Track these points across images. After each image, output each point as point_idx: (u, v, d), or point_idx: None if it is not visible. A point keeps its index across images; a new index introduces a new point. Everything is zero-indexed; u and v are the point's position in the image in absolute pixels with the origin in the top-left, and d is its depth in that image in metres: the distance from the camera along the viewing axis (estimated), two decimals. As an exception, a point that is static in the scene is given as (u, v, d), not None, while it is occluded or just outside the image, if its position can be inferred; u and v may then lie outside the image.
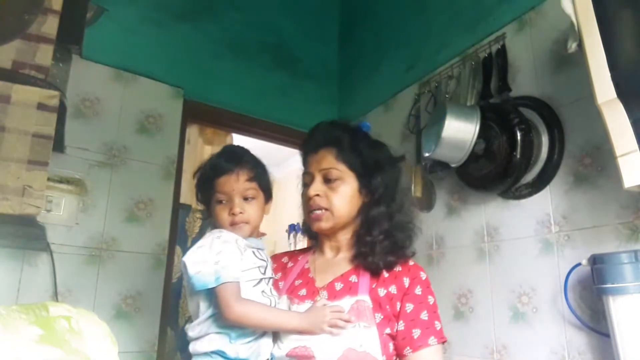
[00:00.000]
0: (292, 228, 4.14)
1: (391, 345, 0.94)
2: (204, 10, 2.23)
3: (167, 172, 1.98)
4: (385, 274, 1.01)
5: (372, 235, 1.02)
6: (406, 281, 0.99)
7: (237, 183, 1.04)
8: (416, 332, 0.93)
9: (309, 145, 1.12)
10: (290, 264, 1.16)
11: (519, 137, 1.38)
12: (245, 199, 1.05)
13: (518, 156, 1.38)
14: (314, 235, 1.16)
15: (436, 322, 0.95)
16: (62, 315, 0.52)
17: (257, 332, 0.95)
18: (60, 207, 1.69)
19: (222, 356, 0.93)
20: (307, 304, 1.00)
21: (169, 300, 1.97)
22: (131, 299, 1.79)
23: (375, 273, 1.01)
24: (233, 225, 1.04)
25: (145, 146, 1.93)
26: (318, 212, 1.04)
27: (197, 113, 2.15)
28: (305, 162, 1.12)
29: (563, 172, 1.37)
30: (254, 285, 1.00)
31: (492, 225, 1.54)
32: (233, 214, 1.03)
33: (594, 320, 1.20)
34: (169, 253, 1.92)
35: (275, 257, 1.20)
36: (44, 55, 1.19)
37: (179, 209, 2.06)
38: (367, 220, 1.04)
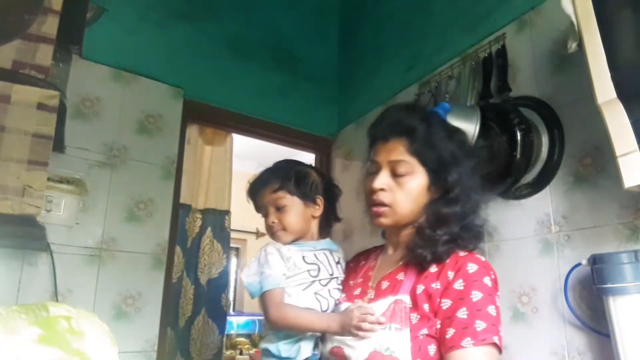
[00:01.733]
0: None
1: (432, 348, 0.85)
2: (204, 10, 2.23)
3: (167, 172, 1.98)
4: (433, 269, 0.91)
5: (435, 233, 0.92)
6: (450, 275, 0.88)
7: (265, 197, 1.15)
8: (449, 332, 0.83)
9: (379, 131, 1.01)
10: (362, 262, 1.13)
11: (519, 137, 1.37)
12: (278, 208, 1.14)
13: (518, 156, 1.38)
14: (384, 232, 1.11)
15: (478, 321, 0.82)
16: (62, 316, 0.52)
17: (299, 334, 1.03)
18: (60, 207, 1.69)
19: (270, 353, 1.05)
20: (344, 303, 1.00)
21: (169, 300, 1.97)
22: (131, 299, 1.79)
23: (421, 268, 0.93)
24: (272, 235, 1.15)
25: (145, 146, 1.93)
26: (380, 208, 0.97)
27: (197, 113, 2.15)
28: (372, 149, 1.02)
29: (563, 172, 1.37)
30: (304, 289, 1.07)
31: (492, 225, 1.54)
32: (269, 225, 1.14)
33: (594, 320, 1.20)
34: (169, 253, 1.92)
35: (355, 257, 1.20)
36: (44, 55, 1.19)
37: (179, 209, 2.06)
38: (436, 218, 0.94)
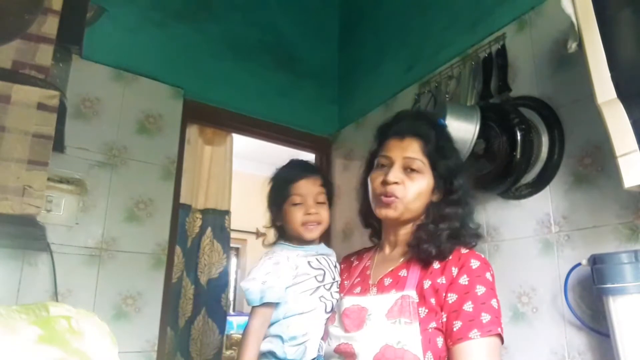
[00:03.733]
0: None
1: (440, 340, 0.90)
2: (204, 10, 2.23)
3: (167, 172, 1.98)
4: (436, 265, 0.97)
5: (438, 228, 0.98)
6: (454, 271, 0.94)
7: (313, 186, 1.15)
8: (457, 325, 0.88)
9: (394, 128, 1.08)
10: (355, 263, 1.17)
11: (519, 137, 1.37)
12: (318, 202, 1.15)
13: (518, 156, 1.38)
14: (377, 233, 1.16)
15: (484, 314, 0.88)
16: (62, 315, 0.51)
17: (306, 337, 1.04)
18: (60, 207, 1.69)
19: (273, 356, 1.04)
20: (347, 299, 1.03)
21: (169, 300, 1.97)
22: (131, 299, 1.79)
23: (425, 264, 0.98)
24: (305, 225, 1.13)
25: (145, 146, 1.93)
26: (390, 198, 1.00)
27: (197, 113, 2.15)
28: (383, 145, 1.07)
29: (563, 172, 1.37)
30: (311, 294, 1.07)
31: (492, 225, 1.54)
32: (308, 214, 1.12)
33: (594, 320, 1.20)
34: (169, 253, 1.92)
35: (345, 258, 1.24)
36: (44, 55, 1.19)
37: (179, 209, 2.06)
38: (438, 215, 1.00)
